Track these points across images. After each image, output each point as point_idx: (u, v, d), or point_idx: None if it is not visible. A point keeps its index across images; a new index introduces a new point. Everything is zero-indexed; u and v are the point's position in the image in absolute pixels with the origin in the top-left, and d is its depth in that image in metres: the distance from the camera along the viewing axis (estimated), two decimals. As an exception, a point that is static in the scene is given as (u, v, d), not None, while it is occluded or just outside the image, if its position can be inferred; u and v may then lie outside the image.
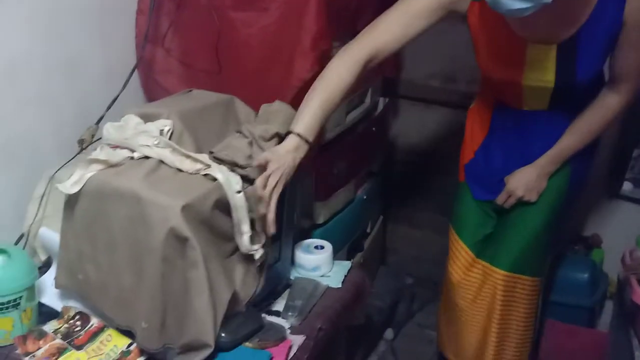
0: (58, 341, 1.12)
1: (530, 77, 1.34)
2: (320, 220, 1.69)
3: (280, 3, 1.40)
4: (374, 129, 1.94)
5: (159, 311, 1.05)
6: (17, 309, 1.11)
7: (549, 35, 1.27)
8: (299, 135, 1.18)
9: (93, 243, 1.10)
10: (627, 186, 2.12)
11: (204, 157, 1.13)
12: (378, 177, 2.11)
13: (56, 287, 1.18)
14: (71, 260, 1.15)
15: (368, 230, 2.13)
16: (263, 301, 1.34)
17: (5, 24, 1.24)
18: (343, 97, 1.26)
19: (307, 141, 1.19)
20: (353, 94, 1.25)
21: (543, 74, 1.32)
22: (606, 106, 1.37)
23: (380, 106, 2.09)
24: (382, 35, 1.28)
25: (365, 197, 1.95)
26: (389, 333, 2.12)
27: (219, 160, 1.14)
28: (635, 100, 1.37)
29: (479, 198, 1.57)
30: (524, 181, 1.46)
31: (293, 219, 1.41)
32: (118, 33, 1.53)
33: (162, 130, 1.14)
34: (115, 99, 1.40)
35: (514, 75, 1.36)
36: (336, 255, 1.58)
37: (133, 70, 1.47)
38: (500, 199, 1.51)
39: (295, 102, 1.27)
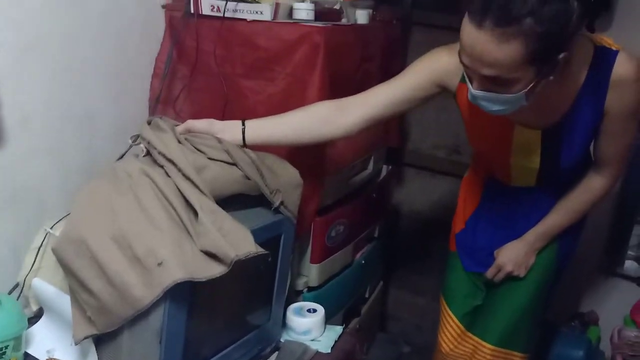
0: (39, 393, 1.08)
1: (517, 157, 1.33)
2: (315, 283, 1.65)
3: (286, 74, 1.43)
4: (374, 195, 1.92)
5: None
6: (2, 358, 1.08)
7: (534, 121, 1.26)
8: (243, 123, 1.28)
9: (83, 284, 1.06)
10: (629, 264, 2.07)
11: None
12: (379, 242, 2.07)
13: (76, 344, 1.07)
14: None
15: (366, 295, 2.08)
16: (250, 362, 1.30)
17: (28, 76, 1.26)
18: (307, 132, 1.31)
19: (243, 132, 1.27)
20: (319, 139, 1.34)
21: (529, 156, 1.31)
22: (591, 189, 1.36)
23: (383, 173, 2.08)
24: (371, 99, 1.30)
25: (363, 261, 1.91)
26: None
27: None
28: (618, 182, 1.38)
29: (469, 270, 1.54)
30: (513, 256, 1.44)
31: (286, 279, 1.39)
32: (132, 93, 1.56)
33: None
34: (123, 155, 1.41)
35: (501, 155, 1.35)
36: (331, 320, 1.55)
37: (144, 128, 1.48)
38: (489, 273, 1.48)
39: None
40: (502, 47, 0.97)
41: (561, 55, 1.02)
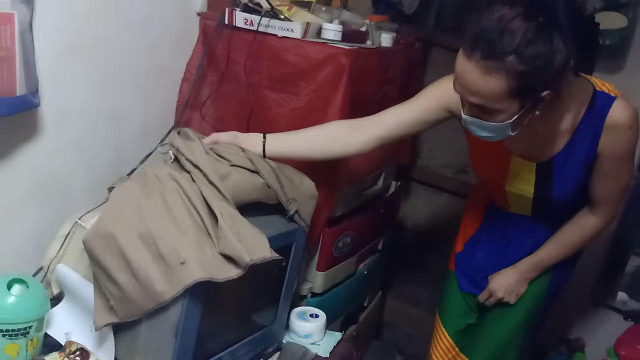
0: (57, 373, 1.13)
1: (513, 184, 1.38)
2: (319, 290, 1.69)
3: (310, 90, 1.47)
4: (382, 210, 1.97)
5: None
6: (25, 337, 1.13)
7: (530, 154, 1.31)
8: (264, 136, 1.34)
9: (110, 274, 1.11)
10: (621, 296, 2.11)
11: None
12: (382, 254, 2.12)
13: (96, 329, 1.13)
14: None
15: (365, 304, 2.12)
16: (253, 359, 1.35)
17: (67, 75, 1.31)
18: (322, 149, 1.38)
19: (264, 145, 1.33)
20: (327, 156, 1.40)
21: (523, 185, 1.36)
22: (585, 226, 1.38)
23: (392, 189, 2.13)
24: (384, 120, 1.36)
25: (365, 272, 1.95)
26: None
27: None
28: (614, 221, 1.40)
29: (464, 290, 1.58)
30: (505, 284, 1.47)
31: (293, 285, 1.43)
32: (161, 95, 1.61)
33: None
34: (149, 154, 1.46)
35: (498, 181, 1.40)
36: (330, 325, 1.59)
37: (170, 130, 1.53)
38: (482, 297, 1.52)
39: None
40: (486, 79, 1.03)
41: (544, 93, 1.07)
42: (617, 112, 1.19)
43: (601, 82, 1.24)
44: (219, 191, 1.15)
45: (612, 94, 1.22)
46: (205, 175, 1.16)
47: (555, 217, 1.42)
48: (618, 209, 1.37)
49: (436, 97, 1.32)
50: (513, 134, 1.13)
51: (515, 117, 1.09)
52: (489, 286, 1.50)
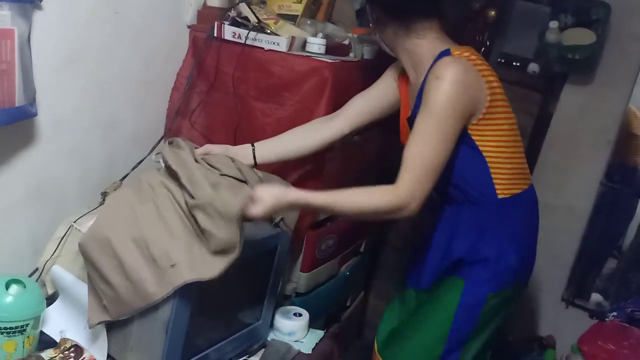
0: (52, 368, 1.18)
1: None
2: (303, 290, 1.75)
3: (295, 101, 1.54)
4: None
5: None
6: (22, 334, 1.18)
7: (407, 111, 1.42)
8: (252, 145, 1.43)
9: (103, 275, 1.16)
10: (595, 297, 2.20)
11: None
12: (363, 256, 2.17)
13: (90, 327, 1.18)
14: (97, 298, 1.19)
15: (347, 303, 2.17)
16: (238, 356, 1.41)
17: (63, 85, 1.36)
18: (306, 141, 1.47)
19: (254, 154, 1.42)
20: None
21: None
22: (375, 190, 1.18)
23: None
24: (352, 103, 1.50)
25: (348, 273, 2.00)
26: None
27: None
28: (403, 207, 1.15)
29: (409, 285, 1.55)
30: (267, 193, 1.16)
31: (277, 285, 1.50)
32: (153, 103, 1.66)
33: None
34: (141, 161, 1.50)
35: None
36: (313, 323, 1.64)
37: (161, 139, 1.58)
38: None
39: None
40: None
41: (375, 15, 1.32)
42: (435, 66, 1.23)
43: (467, 49, 1.28)
44: (190, 195, 1.17)
45: (456, 53, 1.25)
46: (179, 178, 1.21)
47: (439, 195, 1.37)
48: (411, 187, 1.15)
49: (389, 72, 1.50)
50: (378, 39, 1.38)
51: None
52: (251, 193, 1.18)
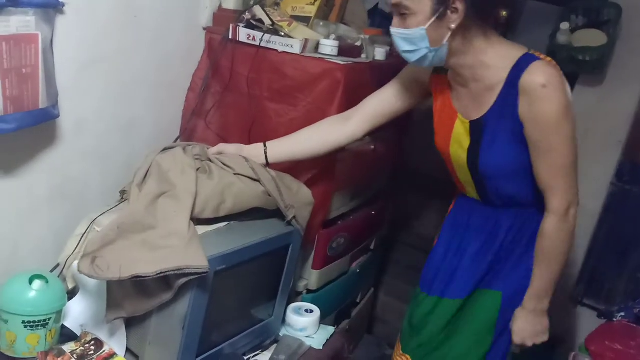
0: (73, 361, 1.22)
1: (453, 147, 1.38)
2: (314, 287, 1.78)
3: (308, 102, 1.56)
4: (373, 212, 2.05)
5: None
6: (45, 328, 1.22)
7: (467, 110, 1.33)
8: (265, 144, 1.45)
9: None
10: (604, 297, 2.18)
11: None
12: (374, 253, 2.20)
13: (107, 323, 1.23)
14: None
15: (358, 300, 2.20)
16: (251, 351, 1.44)
17: (85, 87, 1.40)
18: (318, 143, 1.49)
19: (266, 154, 1.44)
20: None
21: (459, 147, 1.36)
22: (546, 232, 1.29)
23: (385, 191, 2.20)
24: (367, 104, 1.50)
25: (358, 270, 2.03)
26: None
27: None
28: (571, 215, 1.26)
29: (422, 289, 1.56)
30: (523, 332, 1.36)
31: (289, 282, 1.52)
32: (170, 104, 1.69)
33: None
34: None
35: (446, 147, 1.40)
36: (324, 319, 1.66)
37: (177, 139, 1.62)
38: (516, 350, 1.42)
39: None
40: None
41: (455, 5, 1.16)
42: (531, 73, 1.17)
43: (540, 53, 1.23)
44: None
45: (541, 58, 1.20)
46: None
47: (505, 201, 1.37)
48: (566, 197, 1.25)
49: (407, 72, 1.47)
50: (431, 48, 1.21)
51: (430, 22, 1.17)
52: (514, 339, 1.38)
